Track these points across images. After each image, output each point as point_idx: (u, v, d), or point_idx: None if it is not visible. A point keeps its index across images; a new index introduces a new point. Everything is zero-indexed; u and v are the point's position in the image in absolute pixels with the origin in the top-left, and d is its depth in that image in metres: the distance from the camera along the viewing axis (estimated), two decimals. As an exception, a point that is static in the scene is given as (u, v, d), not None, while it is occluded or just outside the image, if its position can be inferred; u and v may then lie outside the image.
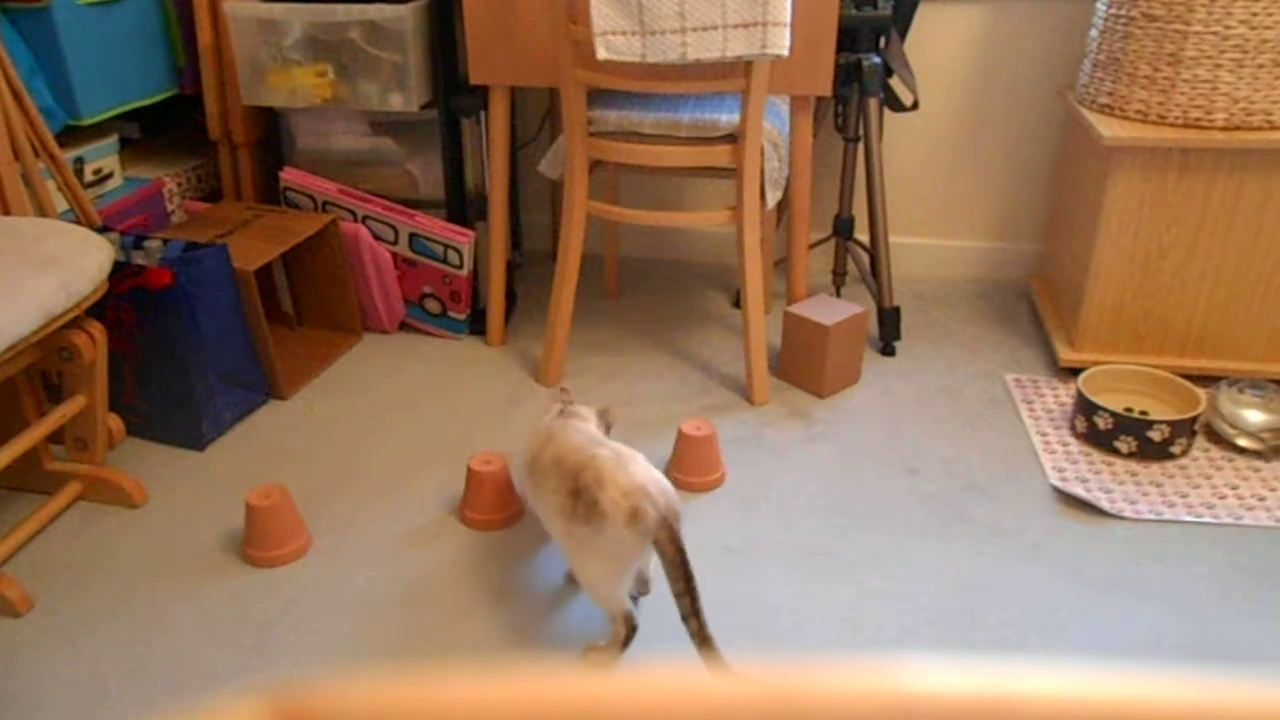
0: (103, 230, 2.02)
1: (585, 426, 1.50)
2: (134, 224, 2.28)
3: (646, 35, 1.75)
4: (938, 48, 2.53)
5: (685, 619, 1.30)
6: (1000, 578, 1.63)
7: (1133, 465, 1.90)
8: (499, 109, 2.19)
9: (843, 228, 2.47)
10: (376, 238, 2.34)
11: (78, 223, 2.00)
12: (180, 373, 1.93)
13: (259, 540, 1.67)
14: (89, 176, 2.21)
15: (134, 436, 2.02)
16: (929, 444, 1.99)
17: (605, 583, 1.38)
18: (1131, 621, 1.54)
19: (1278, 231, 2.01)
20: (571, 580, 1.60)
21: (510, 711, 0.26)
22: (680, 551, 1.29)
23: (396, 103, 2.26)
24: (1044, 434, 2.01)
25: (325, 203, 2.36)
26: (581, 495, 1.35)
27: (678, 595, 1.30)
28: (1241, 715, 0.26)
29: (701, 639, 1.30)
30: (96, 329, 1.69)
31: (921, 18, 2.47)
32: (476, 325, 2.42)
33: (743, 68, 1.86)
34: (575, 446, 1.41)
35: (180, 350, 1.92)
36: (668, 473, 1.88)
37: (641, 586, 1.57)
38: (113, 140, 2.28)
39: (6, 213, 1.87)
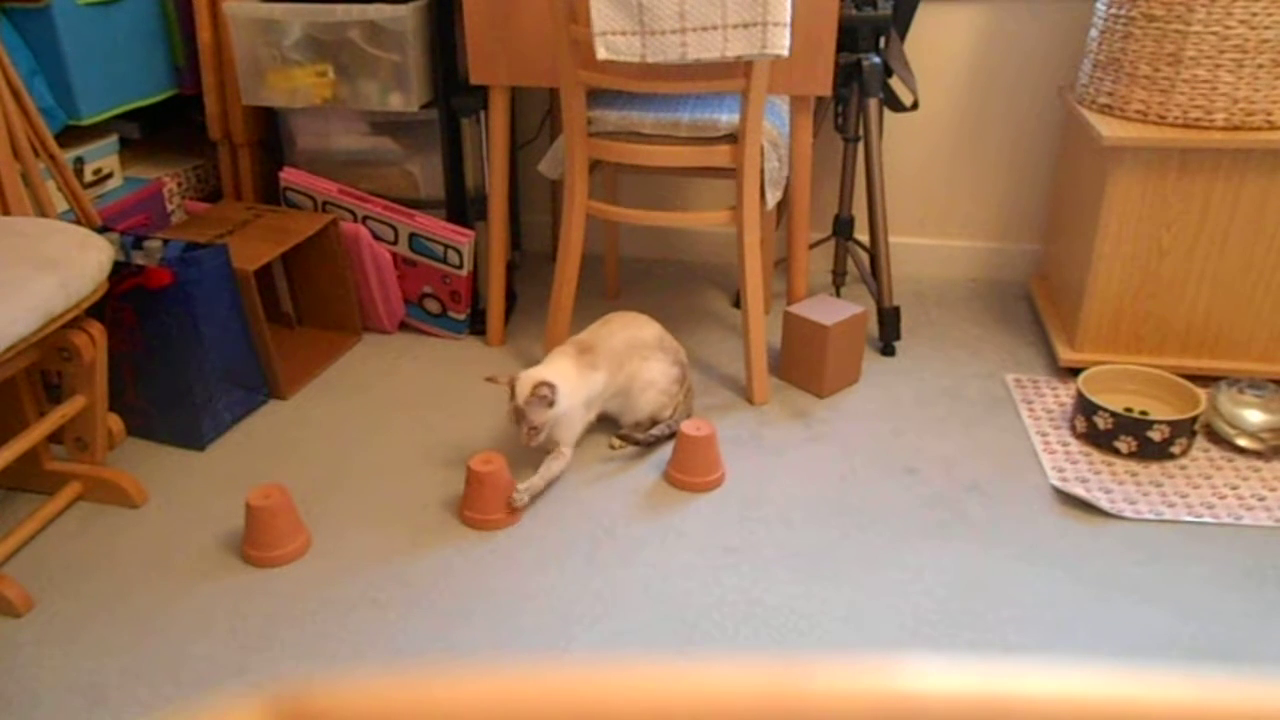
0: (103, 230, 2.02)
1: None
2: (134, 224, 2.28)
3: (646, 35, 1.75)
4: (938, 48, 2.53)
5: (667, 421, 1.98)
6: (1000, 578, 1.63)
7: (1133, 465, 1.90)
8: (499, 109, 2.19)
9: (843, 228, 2.47)
10: (376, 238, 2.34)
11: (78, 223, 2.00)
12: (180, 373, 1.93)
13: (259, 540, 1.67)
14: (89, 176, 2.21)
15: (134, 436, 2.02)
16: (929, 444, 1.99)
17: (670, 406, 1.98)
18: (1131, 621, 1.54)
19: (1278, 231, 2.01)
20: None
21: (510, 711, 0.26)
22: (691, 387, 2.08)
23: (396, 103, 2.26)
24: (1044, 434, 2.01)
25: (325, 203, 2.36)
26: (679, 360, 1.99)
27: (676, 408, 1.98)
28: (1241, 715, 0.26)
29: (651, 439, 1.95)
30: (96, 329, 1.69)
31: (921, 18, 2.47)
32: (476, 325, 2.42)
33: (743, 68, 1.86)
34: (652, 330, 1.99)
35: (180, 350, 1.92)
36: (667, 473, 1.88)
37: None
38: (113, 140, 2.28)
39: (6, 213, 1.87)
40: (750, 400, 2.13)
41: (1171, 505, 1.79)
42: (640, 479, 1.89)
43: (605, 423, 2.01)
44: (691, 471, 1.85)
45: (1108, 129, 2.00)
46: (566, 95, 1.94)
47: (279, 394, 2.17)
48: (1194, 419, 1.91)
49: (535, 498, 1.80)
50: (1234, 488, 1.83)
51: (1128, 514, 1.76)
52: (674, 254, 2.89)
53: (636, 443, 1.96)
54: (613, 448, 1.97)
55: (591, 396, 1.88)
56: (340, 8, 2.19)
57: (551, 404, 1.76)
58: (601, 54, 1.76)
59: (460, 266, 2.33)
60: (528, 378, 1.79)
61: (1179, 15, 1.93)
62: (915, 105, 2.39)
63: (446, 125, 2.33)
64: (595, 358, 1.88)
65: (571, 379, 1.83)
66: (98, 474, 1.81)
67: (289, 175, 2.38)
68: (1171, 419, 1.88)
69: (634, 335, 1.94)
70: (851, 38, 2.19)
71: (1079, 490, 1.82)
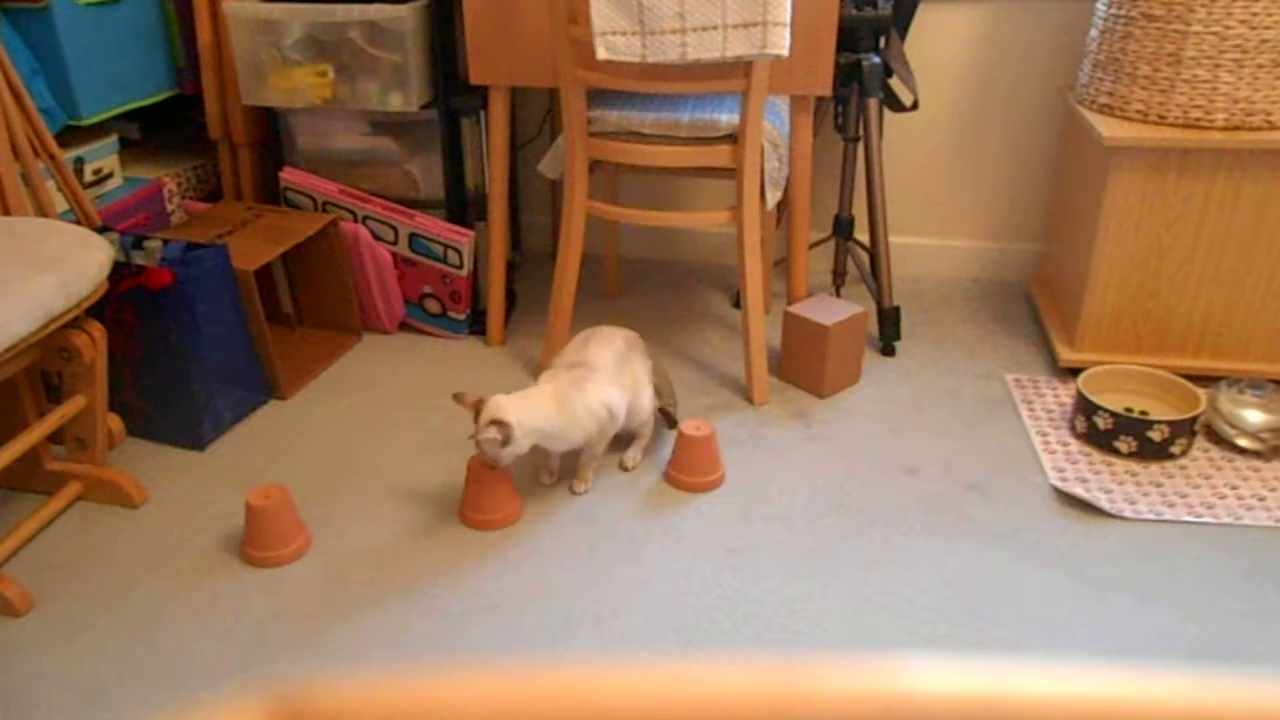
0: (103, 230, 2.02)
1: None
2: (134, 224, 2.28)
3: (646, 35, 1.75)
4: (938, 48, 2.53)
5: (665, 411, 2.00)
6: (1000, 578, 1.63)
7: (1133, 465, 1.90)
8: (499, 109, 2.19)
9: (843, 228, 2.47)
10: (376, 238, 2.34)
11: (78, 223, 2.00)
12: (180, 373, 1.93)
13: (259, 540, 1.67)
14: (89, 176, 2.21)
15: (134, 436, 2.02)
16: (929, 444, 1.99)
17: (659, 390, 1.96)
18: (1131, 621, 1.54)
19: (1278, 231, 2.01)
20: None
21: (510, 711, 0.26)
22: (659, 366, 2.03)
23: (396, 103, 2.26)
24: (1044, 434, 2.01)
25: (325, 203, 2.36)
26: (641, 348, 1.93)
27: (662, 385, 1.97)
28: (1241, 715, 0.26)
29: (674, 417, 2.00)
30: (96, 329, 1.69)
31: (921, 18, 2.47)
32: (476, 325, 2.42)
33: (743, 68, 1.86)
34: (620, 337, 1.91)
35: (180, 350, 1.92)
36: (667, 473, 1.88)
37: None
38: (113, 140, 2.28)
39: (6, 213, 1.87)
40: (750, 400, 2.13)
41: (1171, 505, 1.79)
42: (640, 479, 1.89)
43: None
44: (691, 471, 1.85)
45: (1108, 129, 2.00)
46: (566, 95, 1.94)
47: (279, 394, 2.17)
48: (1194, 419, 1.91)
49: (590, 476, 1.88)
50: (1234, 488, 1.83)
51: (1128, 514, 1.76)
52: (674, 254, 2.89)
53: (673, 419, 1.99)
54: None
55: (608, 406, 1.80)
56: (340, 8, 2.19)
57: (504, 443, 1.65)
58: (601, 54, 1.76)
59: (460, 266, 2.33)
60: (493, 407, 1.67)
61: (1179, 15, 1.93)
62: (915, 105, 2.38)
63: (446, 125, 2.33)
64: (589, 370, 1.80)
65: (549, 415, 1.72)
66: (98, 474, 1.81)
67: (289, 175, 2.38)
68: (1171, 419, 1.88)
69: (617, 350, 1.85)
70: (851, 38, 2.19)
71: (1079, 490, 1.82)
